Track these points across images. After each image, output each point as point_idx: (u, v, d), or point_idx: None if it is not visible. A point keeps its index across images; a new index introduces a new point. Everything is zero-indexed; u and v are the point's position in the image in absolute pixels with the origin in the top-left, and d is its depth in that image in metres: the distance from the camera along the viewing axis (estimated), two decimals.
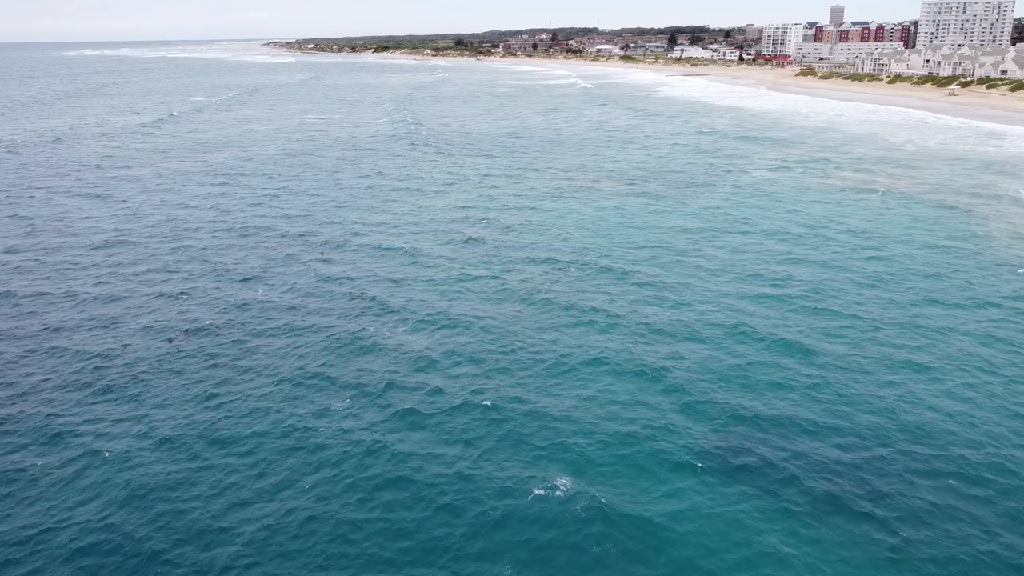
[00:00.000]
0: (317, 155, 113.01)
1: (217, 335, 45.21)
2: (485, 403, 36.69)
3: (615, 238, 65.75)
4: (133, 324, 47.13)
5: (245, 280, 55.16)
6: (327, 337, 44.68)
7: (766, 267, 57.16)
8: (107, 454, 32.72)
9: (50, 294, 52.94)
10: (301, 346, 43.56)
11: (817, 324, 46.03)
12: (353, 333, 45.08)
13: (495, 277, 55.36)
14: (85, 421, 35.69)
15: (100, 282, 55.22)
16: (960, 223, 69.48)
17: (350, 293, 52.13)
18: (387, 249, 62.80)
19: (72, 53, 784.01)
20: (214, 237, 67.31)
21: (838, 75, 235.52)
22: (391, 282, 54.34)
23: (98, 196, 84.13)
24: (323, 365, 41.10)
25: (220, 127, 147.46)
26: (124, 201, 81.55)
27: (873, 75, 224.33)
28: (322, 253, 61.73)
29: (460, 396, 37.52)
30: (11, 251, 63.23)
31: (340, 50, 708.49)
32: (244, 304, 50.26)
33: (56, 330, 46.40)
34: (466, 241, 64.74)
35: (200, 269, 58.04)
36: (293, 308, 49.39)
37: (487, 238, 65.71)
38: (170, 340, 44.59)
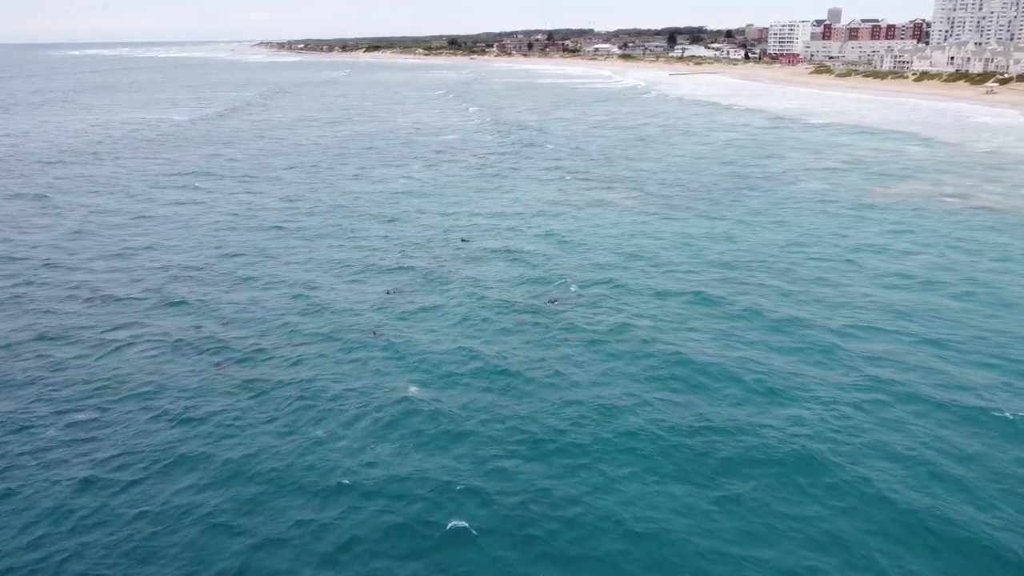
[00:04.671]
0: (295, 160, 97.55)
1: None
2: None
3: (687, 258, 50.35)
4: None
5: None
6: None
7: (857, 315, 41.58)
8: None
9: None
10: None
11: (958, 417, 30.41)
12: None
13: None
14: None
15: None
16: None
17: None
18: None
19: (75, 52, 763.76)
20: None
21: (856, 73, 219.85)
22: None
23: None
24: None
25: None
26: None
27: (896, 72, 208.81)
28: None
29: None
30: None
31: (331, 50, 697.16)
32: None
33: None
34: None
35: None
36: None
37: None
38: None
